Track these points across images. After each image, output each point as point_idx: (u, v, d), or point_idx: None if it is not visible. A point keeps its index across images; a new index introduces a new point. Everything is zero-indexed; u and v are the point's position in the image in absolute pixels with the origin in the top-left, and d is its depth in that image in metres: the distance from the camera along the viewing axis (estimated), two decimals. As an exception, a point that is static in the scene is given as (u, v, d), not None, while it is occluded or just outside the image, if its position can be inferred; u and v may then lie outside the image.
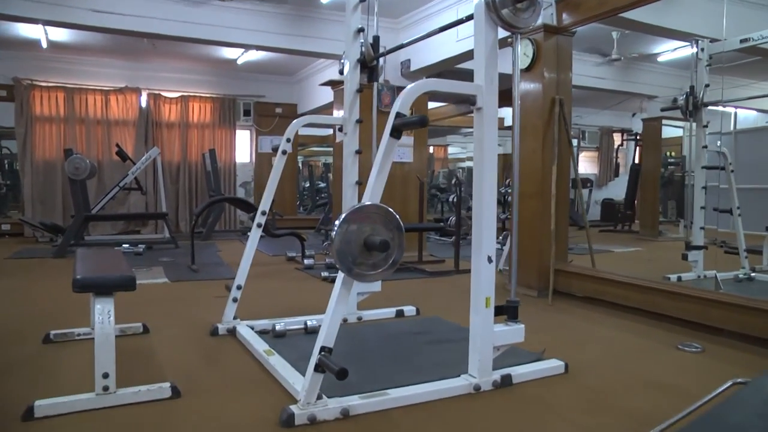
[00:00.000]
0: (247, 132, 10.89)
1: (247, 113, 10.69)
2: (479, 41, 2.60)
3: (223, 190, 9.64)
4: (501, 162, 16.51)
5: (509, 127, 13.16)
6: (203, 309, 4.25)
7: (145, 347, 3.25)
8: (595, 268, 4.92)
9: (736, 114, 10.35)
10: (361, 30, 3.78)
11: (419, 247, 6.58)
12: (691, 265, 5.57)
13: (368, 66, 3.81)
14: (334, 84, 7.11)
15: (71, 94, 9.21)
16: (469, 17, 2.78)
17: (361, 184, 3.81)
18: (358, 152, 3.81)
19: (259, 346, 3.09)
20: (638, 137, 13.54)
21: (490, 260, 2.60)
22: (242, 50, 8.69)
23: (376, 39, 3.82)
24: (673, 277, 5.36)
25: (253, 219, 3.66)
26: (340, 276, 2.26)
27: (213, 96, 10.28)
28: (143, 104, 9.72)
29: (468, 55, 6.50)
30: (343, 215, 2.16)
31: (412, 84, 2.39)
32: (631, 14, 5.09)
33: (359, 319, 3.88)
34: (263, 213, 3.57)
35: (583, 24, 4.88)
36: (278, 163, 3.59)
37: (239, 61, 9.31)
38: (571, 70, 5.07)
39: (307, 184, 14.77)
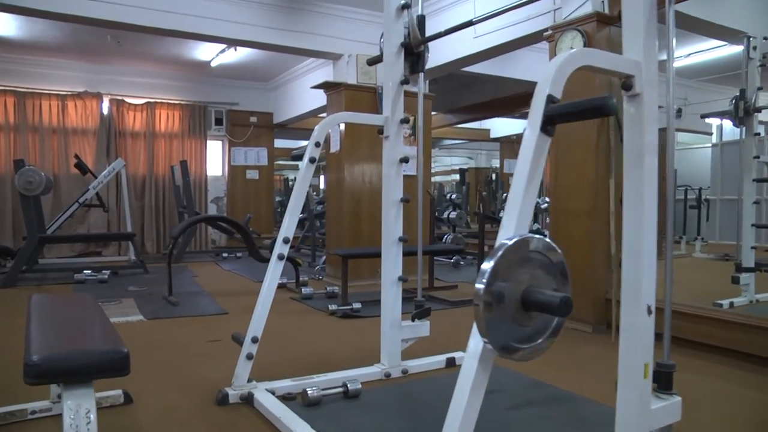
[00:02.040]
0: (219, 143, 9.92)
1: (219, 122, 9.73)
2: (634, 2, 1.82)
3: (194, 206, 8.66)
4: (474, 176, 15.95)
5: (496, 139, 12.54)
6: (198, 360, 3.35)
7: (129, 429, 2.35)
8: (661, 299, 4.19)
9: (722, 126, 9.95)
10: (406, 6, 2.97)
11: (430, 273, 5.77)
12: (741, 288, 4.93)
13: (414, 52, 3.00)
14: (328, 87, 6.29)
15: (23, 99, 8.14)
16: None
17: (409, 201, 3.00)
18: (403, 161, 2.98)
19: (297, 426, 2.22)
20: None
21: (650, 311, 1.82)
22: (217, 51, 7.81)
23: (422, 19, 3.03)
24: (725, 302, 4.69)
25: (269, 249, 2.81)
26: (476, 350, 1.43)
27: (182, 103, 9.31)
28: (105, 111, 8.70)
29: (485, 55, 5.79)
30: (496, 257, 1.33)
31: (564, 54, 1.60)
32: (684, 7, 4.44)
33: (404, 372, 3.04)
34: (286, 241, 2.71)
35: (639, 13, 4.19)
36: (305, 174, 2.75)
37: (213, 64, 8.37)
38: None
39: (278, 199, 13.80)
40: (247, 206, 9.75)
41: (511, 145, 12.52)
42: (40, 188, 6.22)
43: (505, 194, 9.86)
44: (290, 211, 2.73)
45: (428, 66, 6.26)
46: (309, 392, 2.56)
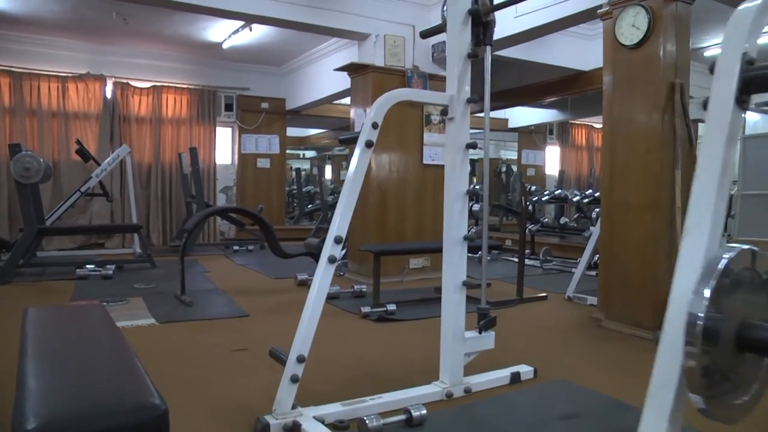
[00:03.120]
0: (229, 129, 9.50)
1: (229, 108, 9.31)
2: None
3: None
4: (491, 167, 15.46)
5: (514, 129, 12.08)
6: (224, 375, 2.93)
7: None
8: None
9: (745, 119, 9.56)
10: (474, -33, 2.55)
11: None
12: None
13: (482, 22, 2.58)
14: (353, 69, 5.85)
15: (20, 80, 7.66)
16: None
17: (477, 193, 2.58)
18: (470, 146, 2.57)
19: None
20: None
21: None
22: (230, 32, 7.36)
23: (490, -17, 2.61)
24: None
25: (317, 250, 2.40)
26: (664, 407, 1.02)
27: (190, 87, 8.86)
28: (108, 94, 8.24)
29: (525, 36, 5.37)
30: (712, 282, 0.93)
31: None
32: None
33: (467, 391, 2.64)
34: (338, 241, 2.29)
35: (711, -13, 3.78)
36: (361, 160, 2.33)
37: (225, 45, 7.93)
38: (690, 49, 3.95)
39: (289, 189, 13.35)
40: (258, 196, 9.35)
41: (529, 135, 12.07)
42: (39, 175, 5.77)
43: (531, 186, 9.40)
44: (342, 206, 2.31)
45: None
46: (368, 422, 2.15)
